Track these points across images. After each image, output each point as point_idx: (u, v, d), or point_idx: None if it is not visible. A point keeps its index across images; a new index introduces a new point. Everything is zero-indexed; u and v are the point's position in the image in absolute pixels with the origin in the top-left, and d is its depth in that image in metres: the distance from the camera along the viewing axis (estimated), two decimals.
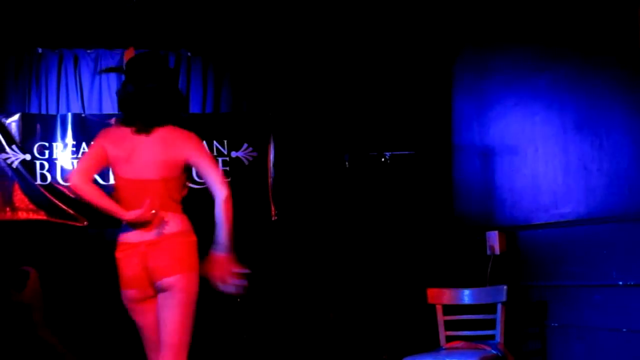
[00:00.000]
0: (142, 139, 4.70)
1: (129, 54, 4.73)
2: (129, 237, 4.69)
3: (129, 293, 4.69)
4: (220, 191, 4.67)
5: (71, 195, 8.33)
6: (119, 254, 4.73)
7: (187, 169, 4.80)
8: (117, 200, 4.75)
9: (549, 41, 7.25)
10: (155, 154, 4.68)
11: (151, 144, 4.69)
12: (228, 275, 4.62)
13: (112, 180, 5.05)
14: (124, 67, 4.92)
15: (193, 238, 4.76)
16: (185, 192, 4.80)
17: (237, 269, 4.64)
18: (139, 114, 4.74)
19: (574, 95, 6.92)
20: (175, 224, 4.69)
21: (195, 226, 4.87)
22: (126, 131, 4.74)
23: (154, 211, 4.62)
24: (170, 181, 4.72)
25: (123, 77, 4.99)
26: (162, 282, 4.62)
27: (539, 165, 7.34)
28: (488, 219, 7.99)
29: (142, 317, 4.70)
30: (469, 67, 8.49)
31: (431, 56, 8.77)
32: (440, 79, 8.78)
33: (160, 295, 4.66)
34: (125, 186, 4.73)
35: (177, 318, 4.64)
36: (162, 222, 4.64)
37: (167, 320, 4.64)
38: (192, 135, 4.78)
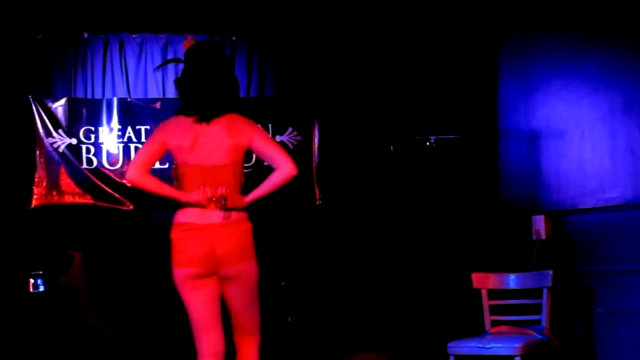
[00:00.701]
0: (204, 127, 4.75)
1: (188, 43, 4.76)
2: (192, 218, 4.70)
3: (188, 271, 4.69)
4: (286, 165, 4.79)
5: (117, 179, 8.39)
6: (178, 234, 4.73)
7: (245, 156, 4.86)
8: (181, 187, 4.80)
9: (595, 24, 7.17)
10: (221, 140, 4.73)
11: (216, 131, 4.74)
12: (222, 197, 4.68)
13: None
14: (183, 56, 4.94)
15: (251, 225, 4.81)
16: (243, 179, 4.83)
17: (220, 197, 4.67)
18: (201, 103, 4.78)
19: (621, 79, 6.85)
20: (240, 215, 4.75)
21: None
22: (187, 120, 4.79)
23: (223, 195, 4.67)
24: (237, 165, 4.78)
25: (181, 66, 5.04)
26: (230, 269, 4.70)
27: (586, 149, 7.27)
28: (534, 203, 7.94)
29: (195, 293, 4.72)
30: (515, 51, 8.43)
31: (477, 40, 8.71)
32: (486, 62, 8.72)
33: (227, 284, 4.74)
34: (192, 172, 4.76)
35: (249, 305, 4.80)
36: (229, 206, 4.68)
37: (239, 308, 4.79)
38: (252, 121, 4.86)
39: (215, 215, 4.69)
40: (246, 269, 4.74)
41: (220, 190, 4.68)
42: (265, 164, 5.06)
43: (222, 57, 4.92)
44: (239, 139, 4.76)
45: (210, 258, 4.67)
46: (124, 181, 8.36)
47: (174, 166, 4.93)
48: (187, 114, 4.82)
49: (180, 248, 4.71)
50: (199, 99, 4.78)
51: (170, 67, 8.61)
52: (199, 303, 4.73)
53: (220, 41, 8.59)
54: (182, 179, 4.79)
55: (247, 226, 4.79)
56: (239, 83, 4.97)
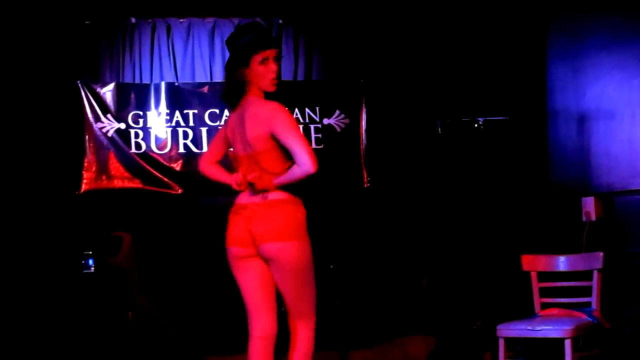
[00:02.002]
0: (238, 117, 4.84)
1: None
2: (240, 199, 4.83)
3: (232, 250, 4.80)
4: (306, 165, 4.65)
5: (165, 164, 8.44)
6: (230, 214, 4.87)
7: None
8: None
9: None
10: (246, 131, 4.78)
11: (244, 122, 4.80)
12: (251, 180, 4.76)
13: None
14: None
15: (299, 207, 4.79)
16: (288, 164, 4.80)
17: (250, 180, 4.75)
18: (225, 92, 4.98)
19: None
20: (278, 193, 4.74)
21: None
22: (236, 112, 4.90)
23: (250, 180, 4.74)
24: (269, 151, 4.77)
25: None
26: (265, 249, 4.71)
27: (637, 130, 7.21)
28: (583, 184, 7.88)
29: (242, 275, 4.81)
30: (564, 32, 8.35)
31: (525, 21, 8.64)
32: (534, 43, 8.64)
33: (270, 266, 4.76)
34: (236, 160, 4.92)
35: (296, 287, 4.78)
36: (262, 190, 4.72)
37: (286, 291, 4.79)
38: (279, 108, 4.78)
39: (254, 197, 4.76)
40: (285, 250, 4.71)
41: (250, 175, 4.73)
42: None
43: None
44: (259, 130, 4.74)
45: (246, 237, 4.73)
46: (172, 165, 8.42)
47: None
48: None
49: (228, 226, 4.84)
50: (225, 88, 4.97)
51: (218, 51, 8.63)
52: (247, 284, 4.80)
53: (267, 25, 8.59)
54: (234, 166, 4.94)
55: (288, 207, 4.75)
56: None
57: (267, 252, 4.71)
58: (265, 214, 4.71)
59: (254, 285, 4.78)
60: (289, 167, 4.72)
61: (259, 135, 4.74)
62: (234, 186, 4.80)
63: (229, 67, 4.88)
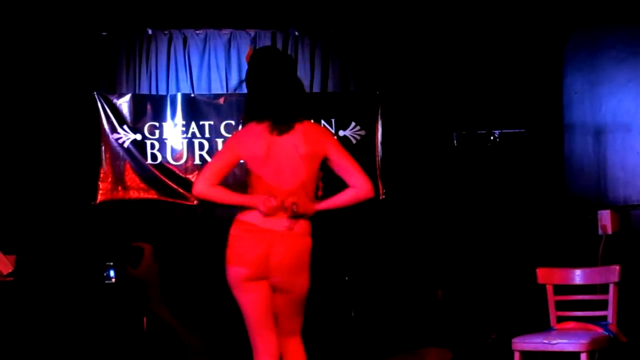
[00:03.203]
0: (277, 135, 4.64)
1: (250, 53, 4.79)
2: (255, 220, 4.63)
3: (239, 271, 4.64)
4: (365, 189, 4.68)
5: (181, 174, 8.46)
6: (237, 231, 4.69)
7: (322, 166, 4.78)
8: (252, 190, 4.71)
9: None
10: (295, 148, 4.63)
11: (290, 139, 4.64)
12: (296, 206, 4.58)
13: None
14: (251, 69, 4.87)
15: (311, 241, 4.73)
16: (320, 192, 4.76)
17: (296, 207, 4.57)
18: (270, 106, 4.68)
19: None
20: (305, 223, 4.69)
21: None
22: (260, 128, 4.67)
23: (294, 202, 4.58)
24: (312, 173, 4.70)
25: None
26: (281, 281, 4.63)
27: None
28: (600, 197, 7.86)
29: (249, 295, 4.66)
30: (580, 45, 8.34)
31: (542, 34, 8.64)
32: (550, 56, 8.64)
33: (277, 294, 4.67)
34: (265, 182, 4.66)
35: (295, 311, 4.73)
36: (300, 216, 4.62)
37: (285, 313, 4.72)
38: (328, 131, 4.78)
39: (279, 223, 4.60)
40: (298, 283, 4.67)
41: (291, 199, 4.58)
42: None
43: (286, 60, 4.88)
44: (315, 148, 4.65)
45: (262, 263, 4.60)
46: (188, 176, 8.43)
47: (247, 175, 4.87)
48: (259, 119, 4.68)
49: (235, 246, 4.67)
50: (268, 102, 4.67)
51: (234, 63, 8.65)
52: (251, 305, 4.66)
53: (284, 36, 8.61)
54: (254, 186, 4.71)
55: (307, 241, 4.69)
56: (303, 86, 4.91)
57: (281, 284, 4.63)
58: (288, 245, 4.61)
59: (261, 306, 4.66)
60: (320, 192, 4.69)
61: (313, 154, 4.64)
62: (264, 210, 4.57)
63: (289, 79, 4.73)
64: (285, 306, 4.70)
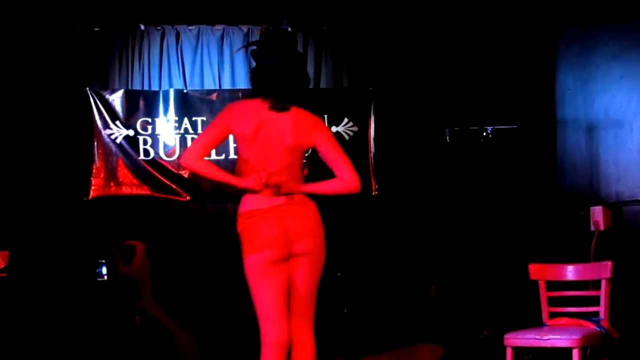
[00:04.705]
0: (272, 116, 4.69)
1: (262, 29, 4.80)
2: (256, 204, 4.67)
3: (264, 255, 4.64)
4: (352, 183, 4.74)
5: (174, 170, 8.45)
6: (245, 222, 4.69)
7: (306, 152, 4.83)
8: (240, 174, 4.74)
9: None
10: (284, 135, 4.69)
11: (282, 124, 4.70)
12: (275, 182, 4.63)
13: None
14: (259, 41, 4.88)
15: (314, 203, 4.81)
16: (305, 172, 4.79)
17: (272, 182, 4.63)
18: (282, 87, 4.73)
19: None
20: (299, 194, 4.74)
21: None
22: (255, 106, 4.73)
23: (277, 183, 4.63)
24: (296, 159, 4.77)
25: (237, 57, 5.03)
26: (303, 244, 4.69)
27: None
28: (592, 194, 7.88)
29: (272, 280, 4.66)
30: (573, 41, 8.35)
31: (535, 30, 8.64)
32: (543, 52, 8.65)
33: (299, 263, 4.72)
34: (251, 161, 4.72)
35: (314, 287, 4.78)
36: (283, 191, 4.67)
37: (306, 291, 4.75)
38: (321, 121, 4.82)
39: (277, 199, 4.67)
40: (317, 245, 4.75)
41: (275, 178, 4.64)
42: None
43: (294, 45, 4.91)
44: (302, 140, 4.72)
45: (283, 237, 4.65)
46: (180, 172, 8.42)
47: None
48: (264, 95, 4.72)
49: (251, 234, 4.66)
50: (280, 82, 4.73)
51: (227, 58, 8.65)
52: (271, 290, 4.66)
53: None
54: (242, 170, 4.75)
55: (312, 204, 4.78)
56: (309, 77, 4.94)
57: (304, 248, 4.69)
58: (297, 211, 4.69)
59: (280, 291, 4.68)
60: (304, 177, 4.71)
61: (299, 145, 4.72)
62: (255, 186, 4.63)
63: (295, 63, 4.80)
64: (307, 276, 4.73)
